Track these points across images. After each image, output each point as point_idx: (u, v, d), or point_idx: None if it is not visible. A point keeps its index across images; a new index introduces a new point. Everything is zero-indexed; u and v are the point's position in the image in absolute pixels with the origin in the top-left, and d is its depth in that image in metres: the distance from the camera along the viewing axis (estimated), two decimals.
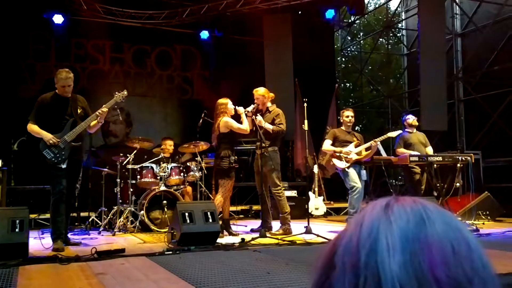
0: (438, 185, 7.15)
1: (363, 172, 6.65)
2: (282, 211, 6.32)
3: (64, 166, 5.12)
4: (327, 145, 6.78)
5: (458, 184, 7.27)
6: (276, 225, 6.51)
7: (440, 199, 6.87)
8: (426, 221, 0.55)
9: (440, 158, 7.12)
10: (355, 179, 6.47)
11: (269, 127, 6.32)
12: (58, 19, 9.21)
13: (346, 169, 6.51)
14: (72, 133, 5.18)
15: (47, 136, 5.08)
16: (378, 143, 6.70)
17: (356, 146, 6.66)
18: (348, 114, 6.84)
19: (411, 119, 7.73)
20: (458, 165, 7.11)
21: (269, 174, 6.32)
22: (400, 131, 7.26)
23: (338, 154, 6.58)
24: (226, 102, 6.24)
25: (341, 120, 6.95)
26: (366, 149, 6.65)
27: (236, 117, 6.27)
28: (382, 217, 0.56)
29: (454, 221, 0.57)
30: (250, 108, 6.34)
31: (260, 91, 6.57)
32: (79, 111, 5.33)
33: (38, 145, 5.15)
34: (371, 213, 0.58)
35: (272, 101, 6.64)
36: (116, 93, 5.53)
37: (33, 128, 5.14)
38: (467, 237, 0.56)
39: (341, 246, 0.57)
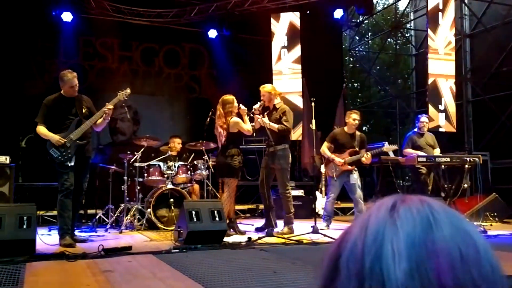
0: (446, 186, 7.12)
1: (352, 176, 6.69)
2: (288, 211, 6.31)
3: (71, 163, 5.18)
4: (323, 147, 6.87)
5: (466, 185, 7.23)
6: (279, 224, 6.49)
7: (447, 200, 6.84)
8: (433, 225, 0.54)
9: (448, 159, 7.09)
10: (333, 190, 6.76)
11: (274, 126, 6.20)
12: (67, 17, 9.26)
13: (335, 177, 6.69)
14: (77, 132, 5.25)
15: (54, 138, 5.16)
16: (387, 147, 6.77)
17: (351, 154, 6.68)
18: (355, 118, 6.74)
19: (426, 120, 7.69)
20: (466, 166, 7.07)
21: (279, 173, 6.28)
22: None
23: (330, 161, 6.70)
24: (233, 101, 6.13)
25: (346, 121, 6.87)
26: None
27: (238, 116, 6.19)
28: (387, 221, 0.55)
29: (462, 223, 0.56)
30: (256, 106, 6.26)
31: (266, 88, 6.47)
32: (84, 111, 5.42)
33: (46, 142, 5.23)
34: (377, 215, 0.57)
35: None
36: (119, 91, 5.63)
37: (41, 130, 5.22)
38: (475, 240, 0.55)
39: (346, 250, 0.56)
